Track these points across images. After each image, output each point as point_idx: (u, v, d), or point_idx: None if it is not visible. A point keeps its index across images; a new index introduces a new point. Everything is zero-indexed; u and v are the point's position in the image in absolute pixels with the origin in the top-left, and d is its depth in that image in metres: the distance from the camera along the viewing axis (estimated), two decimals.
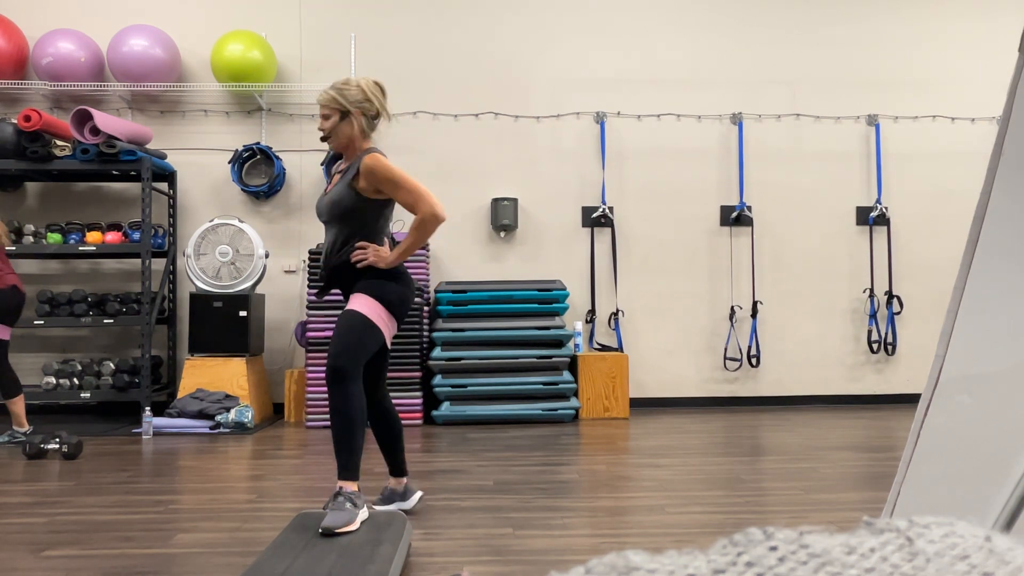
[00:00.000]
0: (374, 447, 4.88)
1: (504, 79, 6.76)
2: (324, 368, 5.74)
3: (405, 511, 3.34)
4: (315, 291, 5.88)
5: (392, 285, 3.06)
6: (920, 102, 6.96)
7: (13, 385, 5.01)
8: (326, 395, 5.70)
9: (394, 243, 3.21)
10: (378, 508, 3.36)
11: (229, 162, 6.45)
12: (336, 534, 2.69)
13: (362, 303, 3.01)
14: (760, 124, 6.89)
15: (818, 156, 6.91)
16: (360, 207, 3.06)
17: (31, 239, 6.13)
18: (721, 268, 6.82)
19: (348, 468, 2.93)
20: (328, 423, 5.71)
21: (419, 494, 3.39)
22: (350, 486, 2.90)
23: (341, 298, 5.85)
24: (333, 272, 3.13)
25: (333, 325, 5.80)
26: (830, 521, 3.22)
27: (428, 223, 3.02)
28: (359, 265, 3.05)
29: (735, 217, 6.79)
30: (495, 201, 6.58)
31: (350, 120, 3.14)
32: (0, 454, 4.77)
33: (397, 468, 3.35)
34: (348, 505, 2.80)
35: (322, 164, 6.43)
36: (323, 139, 3.17)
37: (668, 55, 6.85)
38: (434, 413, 5.84)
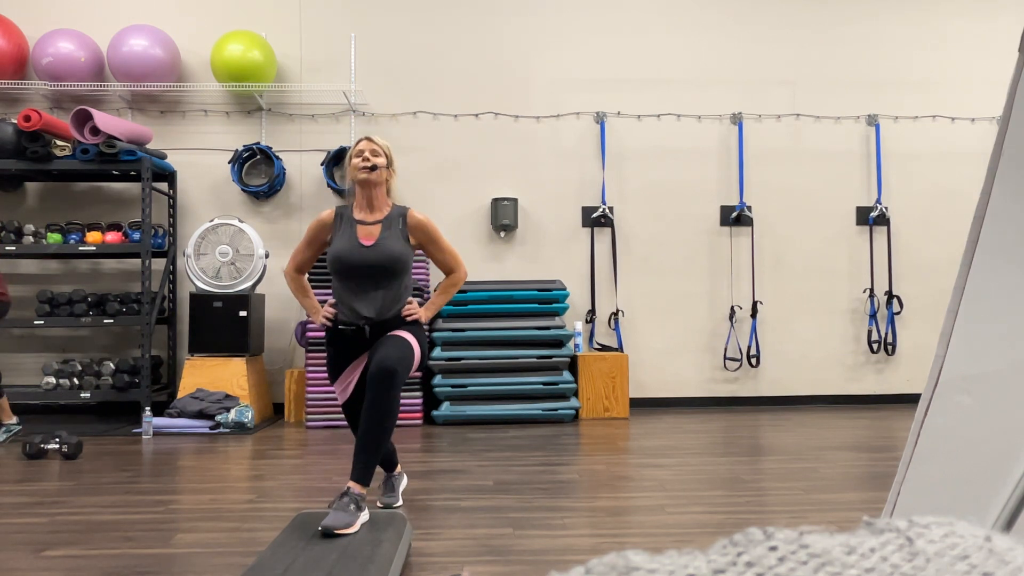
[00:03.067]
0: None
1: (504, 79, 6.76)
2: (325, 368, 5.75)
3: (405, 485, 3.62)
4: (316, 293, 5.88)
5: (426, 339, 3.32)
6: (920, 102, 6.96)
7: None
8: (326, 395, 5.74)
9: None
10: (397, 501, 3.46)
11: (229, 162, 6.45)
12: (336, 535, 2.70)
13: (411, 338, 3.14)
14: (760, 124, 6.89)
15: (818, 156, 6.91)
16: (411, 261, 3.24)
17: (31, 239, 6.13)
18: (721, 268, 6.82)
19: (366, 472, 2.97)
20: (328, 423, 5.72)
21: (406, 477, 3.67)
22: (359, 488, 2.92)
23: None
24: (379, 325, 3.15)
25: None
26: (830, 521, 3.22)
27: (461, 282, 3.40)
28: (410, 318, 3.20)
29: (735, 217, 6.79)
30: (495, 201, 6.58)
31: (391, 171, 3.27)
32: (0, 454, 4.77)
33: (393, 464, 3.51)
34: (352, 507, 2.82)
35: (322, 164, 6.45)
36: (371, 169, 3.15)
37: (668, 55, 6.85)
38: (434, 413, 5.84)
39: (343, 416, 5.75)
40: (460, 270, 3.38)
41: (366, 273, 3.12)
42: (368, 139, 3.21)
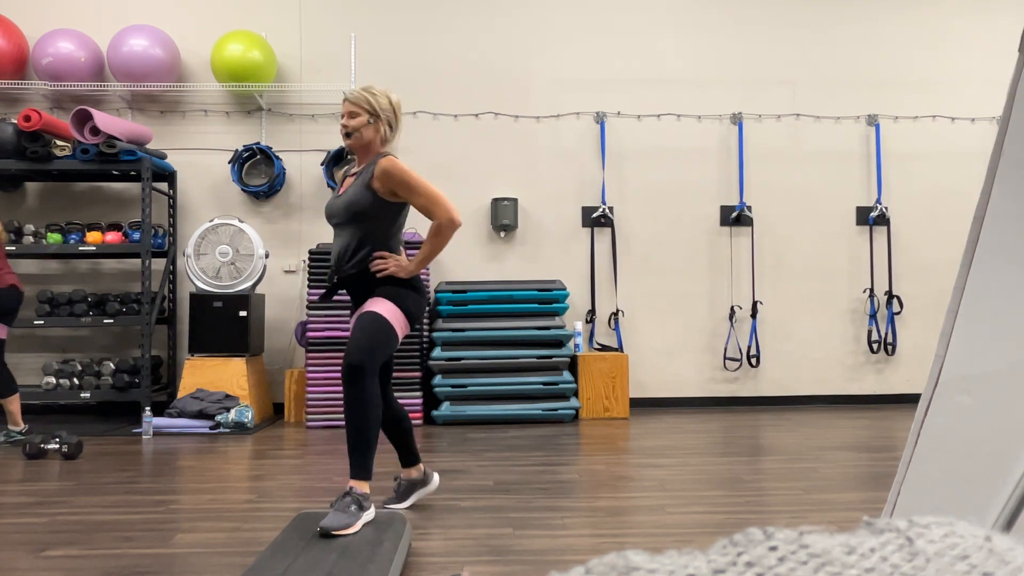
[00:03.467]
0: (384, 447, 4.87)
1: (504, 79, 6.76)
2: (325, 368, 5.75)
3: (432, 492, 3.49)
4: (316, 293, 5.88)
5: (413, 295, 3.06)
6: (920, 102, 6.96)
7: (9, 384, 5.01)
8: (326, 395, 5.74)
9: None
10: (398, 505, 3.39)
11: (229, 162, 6.45)
12: (333, 535, 2.69)
13: (383, 307, 3.00)
14: (760, 124, 6.89)
15: (818, 156, 6.91)
16: (376, 209, 3.04)
17: (31, 239, 6.13)
18: (721, 268, 6.82)
19: (362, 468, 2.92)
20: (328, 423, 5.72)
21: (437, 475, 3.50)
22: (361, 487, 2.90)
23: (338, 297, 5.85)
24: (347, 278, 3.09)
25: (333, 325, 5.81)
26: (830, 521, 3.22)
27: (445, 229, 3.02)
28: (379, 275, 3.02)
29: (735, 217, 6.79)
30: (495, 201, 6.58)
31: (377, 124, 3.11)
32: (0, 454, 4.77)
33: (412, 459, 3.40)
34: (353, 507, 2.80)
35: (322, 164, 6.45)
36: (346, 135, 3.10)
37: (668, 55, 6.85)
38: (434, 413, 5.84)
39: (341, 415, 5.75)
40: (439, 213, 3.01)
41: (332, 223, 3.13)
42: (345, 99, 3.11)
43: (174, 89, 6.54)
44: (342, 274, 3.10)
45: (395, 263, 3.03)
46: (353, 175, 3.18)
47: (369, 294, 3.07)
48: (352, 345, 2.93)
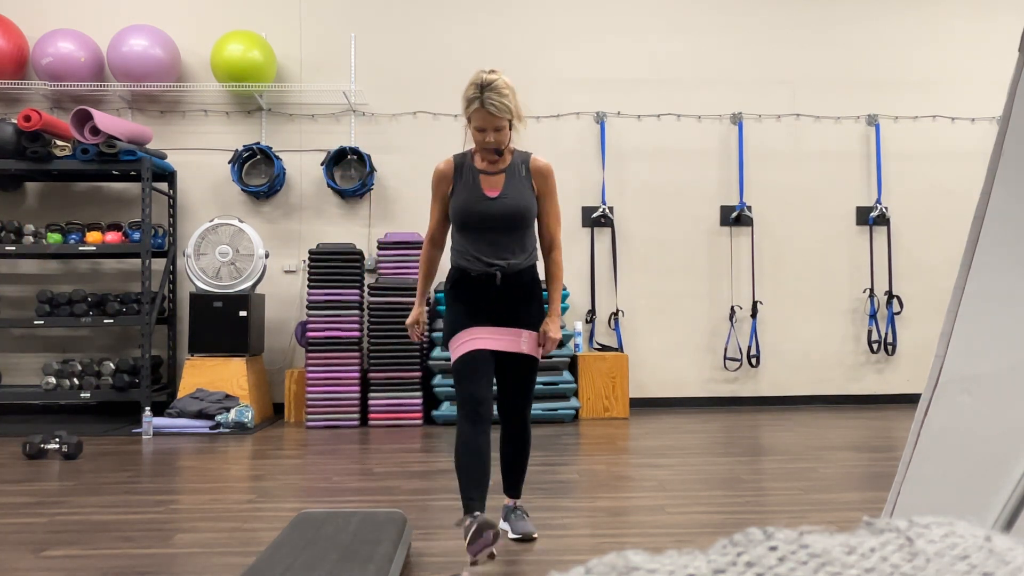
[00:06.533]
0: (376, 450, 4.87)
1: None
2: (325, 368, 5.75)
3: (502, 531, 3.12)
4: (317, 292, 5.87)
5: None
6: (920, 102, 6.96)
7: None
8: (326, 395, 5.75)
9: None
10: (526, 528, 3.11)
11: (229, 162, 6.45)
12: (534, 538, 3.00)
13: (535, 348, 3.00)
14: (760, 124, 6.89)
15: (818, 156, 6.91)
16: (535, 208, 3.02)
17: (31, 239, 6.13)
18: (721, 268, 6.82)
19: (520, 488, 3.17)
20: (328, 423, 5.74)
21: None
22: (520, 502, 3.18)
23: (338, 297, 5.85)
24: (513, 276, 3.00)
25: (333, 325, 5.81)
26: (830, 521, 3.22)
27: (562, 267, 3.21)
28: (544, 355, 3.05)
29: (735, 217, 6.79)
30: None
31: (516, 121, 2.91)
32: (0, 454, 4.77)
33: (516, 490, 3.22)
34: (526, 517, 3.09)
35: (322, 164, 6.45)
36: (498, 152, 2.90)
37: (668, 55, 6.85)
38: (434, 413, 5.84)
39: (349, 413, 5.76)
40: (559, 232, 3.09)
41: (492, 225, 2.93)
42: (485, 110, 2.79)
43: (174, 89, 6.54)
44: (510, 272, 2.99)
45: (553, 328, 3.02)
46: (496, 173, 2.96)
47: (528, 295, 3.04)
48: (523, 399, 3.02)
